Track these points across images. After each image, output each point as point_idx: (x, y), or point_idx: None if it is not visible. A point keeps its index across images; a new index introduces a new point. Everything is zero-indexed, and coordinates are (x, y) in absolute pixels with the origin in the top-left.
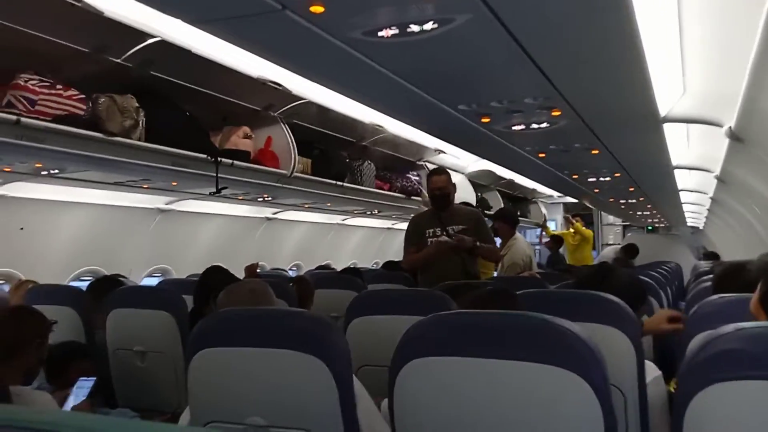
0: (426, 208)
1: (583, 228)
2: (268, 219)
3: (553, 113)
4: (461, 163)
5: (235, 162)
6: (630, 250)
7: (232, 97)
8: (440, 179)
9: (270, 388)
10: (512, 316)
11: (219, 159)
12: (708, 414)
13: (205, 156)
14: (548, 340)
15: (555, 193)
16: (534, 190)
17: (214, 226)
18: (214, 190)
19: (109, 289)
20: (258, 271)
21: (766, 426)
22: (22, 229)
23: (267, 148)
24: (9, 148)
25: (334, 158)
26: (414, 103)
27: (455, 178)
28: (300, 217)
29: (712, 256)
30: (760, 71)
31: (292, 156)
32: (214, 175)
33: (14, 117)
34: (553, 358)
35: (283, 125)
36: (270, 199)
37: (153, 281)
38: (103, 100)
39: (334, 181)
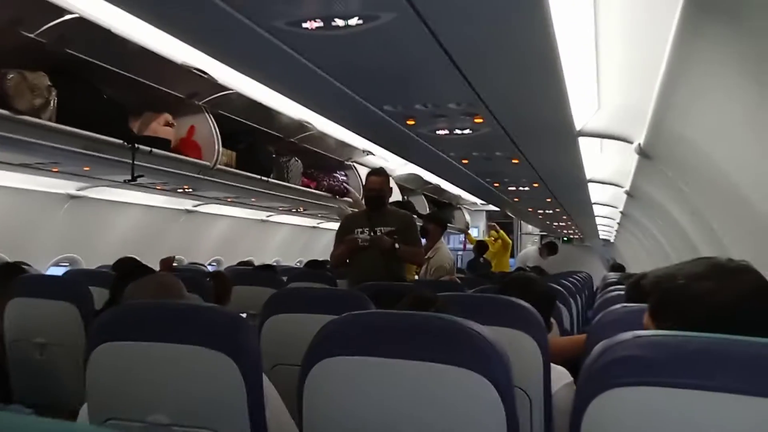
0: (351, 209)
1: (504, 235)
2: (188, 211)
3: (476, 120)
4: (389, 165)
5: (154, 150)
6: (550, 247)
7: (155, 82)
8: (377, 180)
9: (175, 386)
10: (421, 317)
11: (136, 146)
12: (605, 418)
13: (121, 141)
14: (455, 341)
15: (478, 201)
16: (459, 197)
17: (129, 216)
18: (129, 177)
19: (10, 277)
20: (175, 264)
21: (661, 430)
22: None
23: (189, 138)
24: None
25: (261, 152)
26: (340, 100)
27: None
28: (222, 211)
29: (619, 267)
30: (668, 90)
31: (216, 147)
32: (130, 162)
33: None
34: (460, 359)
35: (207, 115)
36: (191, 190)
37: (59, 271)
38: (12, 75)
39: (259, 176)
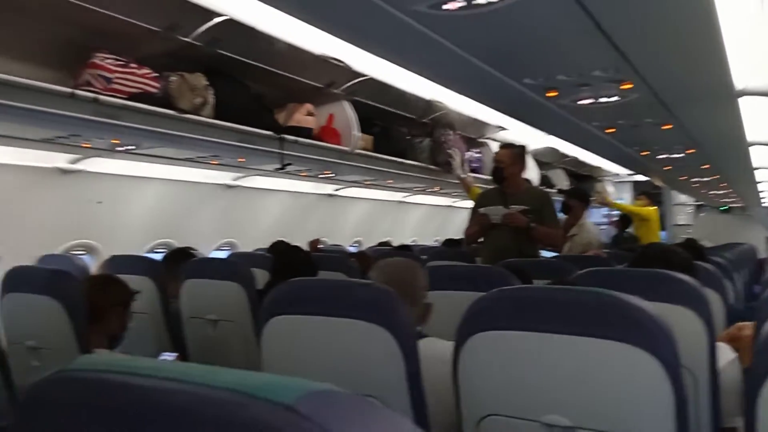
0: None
1: (640, 207)
2: (330, 196)
3: (623, 86)
4: (524, 140)
5: (299, 139)
6: (693, 248)
7: (296, 74)
8: (501, 152)
9: (338, 356)
10: (580, 292)
11: (283, 136)
12: None
13: (270, 133)
14: (616, 316)
15: (623, 171)
16: (599, 168)
17: (277, 202)
18: (278, 166)
19: (182, 261)
20: (320, 246)
21: None
22: (100, 202)
23: (329, 125)
24: (87, 124)
25: (395, 135)
26: (478, 77)
27: None
28: (361, 194)
29: None
30: None
31: (354, 132)
32: (279, 151)
33: (92, 95)
34: (622, 334)
35: (344, 102)
36: (332, 175)
37: (220, 254)
38: (174, 78)
39: (394, 158)
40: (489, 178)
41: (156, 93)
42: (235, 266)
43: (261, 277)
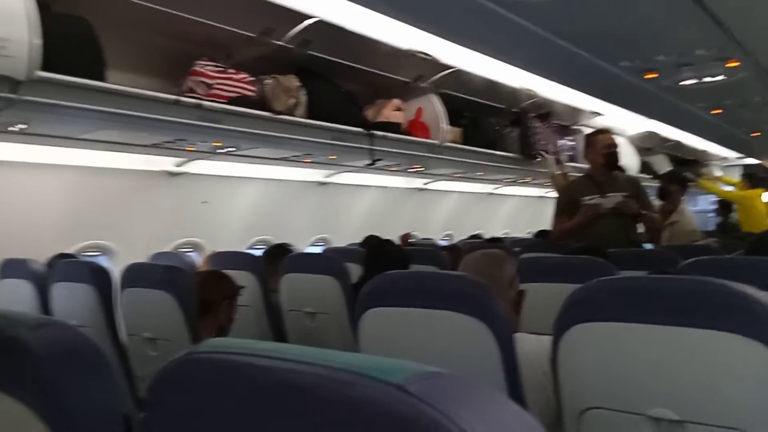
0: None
1: (743, 192)
2: (419, 189)
3: (730, 65)
4: (621, 125)
5: (388, 134)
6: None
7: (383, 70)
8: (611, 137)
9: (433, 347)
10: (686, 281)
11: (372, 132)
12: None
13: (360, 129)
14: (726, 305)
15: (731, 154)
16: (705, 152)
17: (368, 198)
18: (369, 162)
19: (280, 256)
20: (411, 240)
21: None
22: (204, 202)
23: (417, 119)
24: (192, 128)
25: (484, 126)
26: (571, 62)
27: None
28: (450, 187)
29: None
30: None
31: (443, 125)
32: (369, 147)
33: (195, 100)
34: (732, 324)
35: (432, 95)
36: (421, 169)
37: (314, 250)
38: (269, 81)
39: (484, 150)
40: (584, 166)
41: (252, 96)
42: (331, 261)
43: (354, 271)
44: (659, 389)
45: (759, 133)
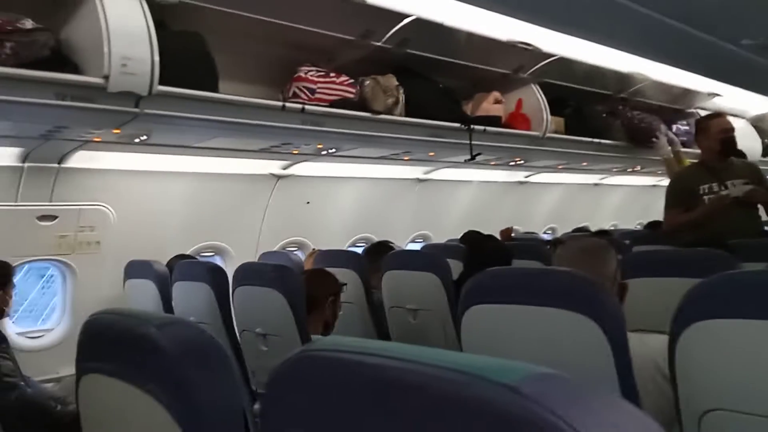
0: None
1: None
2: (520, 183)
3: None
4: (742, 106)
5: (487, 128)
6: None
7: (481, 63)
8: (727, 120)
9: (538, 345)
10: None
11: (471, 126)
12: None
13: (458, 125)
14: None
15: None
16: None
17: (467, 192)
18: (468, 157)
19: (381, 253)
20: (513, 235)
21: None
22: (308, 203)
23: (518, 111)
24: (296, 132)
25: (589, 114)
26: (685, 42)
27: (735, 124)
28: (553, 179)
29: None
30: None
31: (544, 116)
32: (468, 142)
33: (300, 105)
34: None
35: (533, 86)
36: (522, 162)
37: (414, 246)
38: (368, 82)
39: (589, 139)
40: (698, 151)
41: (353, 98)
42: (432, 258)
43: (454, 267)
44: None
45: None
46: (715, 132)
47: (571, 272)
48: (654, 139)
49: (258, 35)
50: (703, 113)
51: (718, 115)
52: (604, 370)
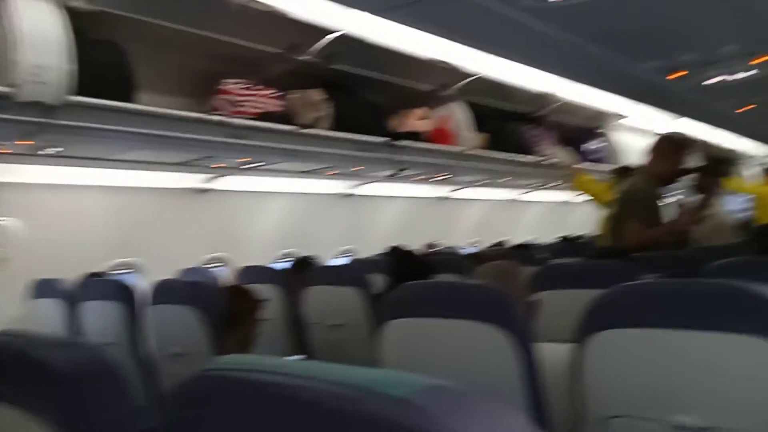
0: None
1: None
2: (445, 198)
3: (759, 60)
4: (648, 125)
5: (412, 143)
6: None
7: (408, 80)
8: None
9: (455, 357)
10: (709, 285)
11: (396, 142)
12: None
13: (384, 139)
14: (749, 309)
15: (761, 152)
16: (733, 150)
17: (393, 208)
18: (393, 172)
19: (306, 269)
20: (435, 249)
21: None
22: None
23: (442, 127)
24: (219, 145)
25: (510, 131)
26: (595, 63)
27: (643, 142)
28: (476, 194)
29: None
30: None
31: (468, 132)
32: (393, 157)
33: (222, 118)
34: (756, 328)
35: (457, 103)
36: (446, 177)
37: (342, 261)
38: (293, 95)
39: (509, 155)
40: (611, 168)
41: (278, 111)
42: (353, 272)
43: (381, 281)
44: (684, 396)
45: None
46: (683, 152)
47: (487, 286)
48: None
49: (181, 46)
50: (612, 133)
51: (682, 136)
52: (514, 379)
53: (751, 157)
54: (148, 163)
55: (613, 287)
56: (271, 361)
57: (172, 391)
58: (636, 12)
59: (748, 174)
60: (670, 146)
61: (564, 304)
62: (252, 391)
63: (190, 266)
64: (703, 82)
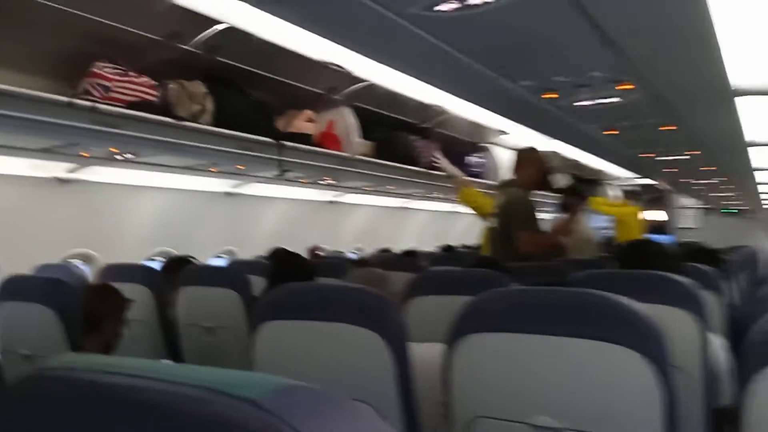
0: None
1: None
2: (330, 203)
3: (623, 87)
4: (525, 144)
5: (298, 145)
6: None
7: (296, 81)
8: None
9: (329, 360)
10: (572, 293)
11: (282, 142)
12: None
13: (269, 139)
14: (605, 316)
15: (626, 175)
16: (601, 172)
17: (278, 210)
18: (277, 172)
19: (180, 269)
20: (320, 253)
21: None
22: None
23: (329, 131)
24: (86, 133)
25: (396, 140)
26: (474, 79)
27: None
28: (362, 200)
29: None
30: None
31: (355, 138)
32: (278, 158)
33: (90, 103)
34: (611, 334)
35: (345, 108)
36: (332, 182)
37: (221, 262)
38: (172, 86)
39: (395, 164)
40: (492, 183)
41: (155, 101)
42: (231, 273)
43: (261, 284)
44: (542, 398)
45: (651, 155)
46: (541, 164)
47: (360, 288)
48: (435, 162)
49: (46, 23)
50: (494, 148)
51: (536, 150)
52: (387, 381)
53: (616, 178)
54: (3, 147)
55: (481, 293)
56: (117, 361)
57: (5, 390)
58: (514, 30)
59: (613, 195)
60: (525, 156)
61: (439, 309)
62: (86, 393)
63: (48, 262)
64: (573, 103)
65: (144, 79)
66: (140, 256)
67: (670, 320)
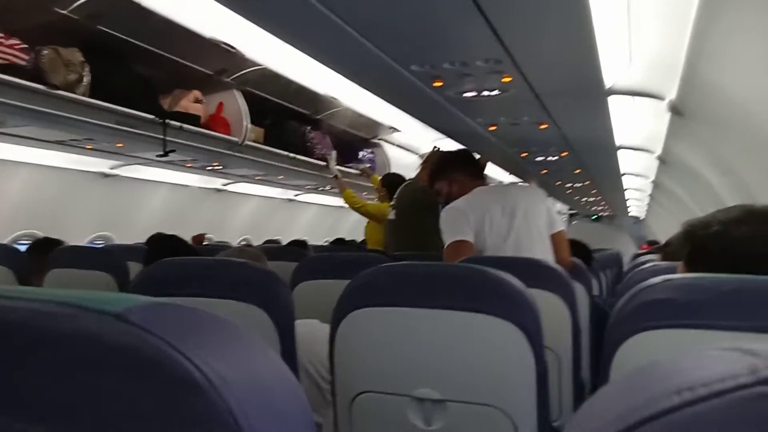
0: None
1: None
2: (218, 190)
3: (504, 79)
4: (415, 143)
5: (184, 125)
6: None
7: (184, 59)
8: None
9: None
10: (452, 267)
11: (167, 121)
12: (635, 361)
13: (152, 117)
14: (484, 289)
15: (506, 175)
16: (486, 175)
17: (161, 195)
18: (161, 153)
19: (48, 251)
20: (205, 243)
21: None
22: None
23: (218, 114)
24: None
25: (288, 129)
26: (367, 60)
27: (408, 159)
28: (251, 190)
29: (653, 244)
30: (699, 36)
31: (245, 124)
32: (161, 137)
33: None
34: (489, 307)
35: (235, 91)
36: (220, 168)
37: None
38: (46, 51)
39: (286, 153)
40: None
41: (25, 66)
42: (106, 255)
43: (138, 270)
44: (424, 371)
45: (527, 154)
46: (426, 163)
47: (247, 263)
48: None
49: None
50: (385, 145)
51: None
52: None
53: (500, 182)
54: None
55: (365, 270)
56: None
57: None
58: (400, 6)
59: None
60: (425, 158)
61: (325, 293)
62: None
63: None
64: (459, 94)
65: (13, 42)
66: (3, 238)
67: (544, 303)
